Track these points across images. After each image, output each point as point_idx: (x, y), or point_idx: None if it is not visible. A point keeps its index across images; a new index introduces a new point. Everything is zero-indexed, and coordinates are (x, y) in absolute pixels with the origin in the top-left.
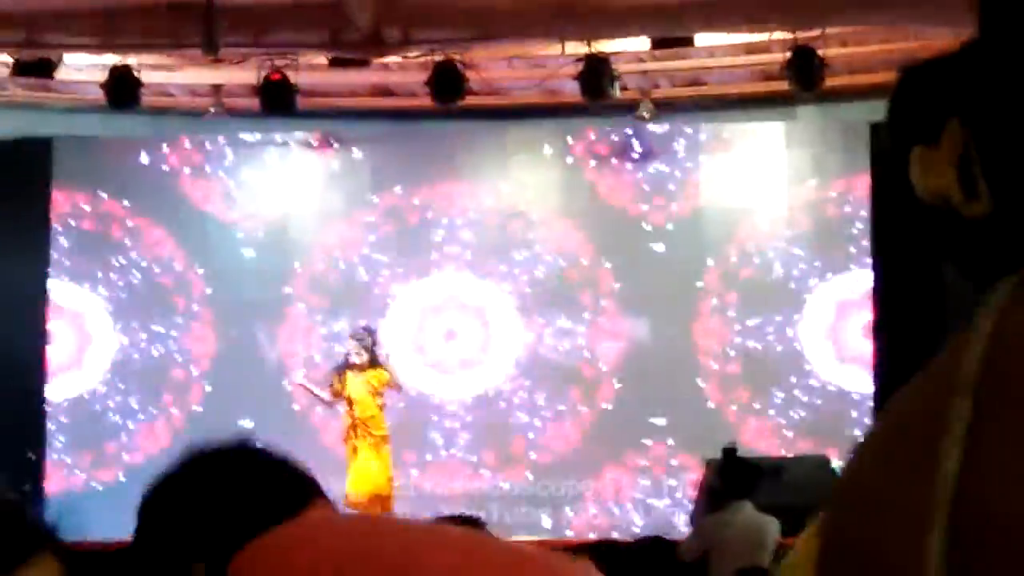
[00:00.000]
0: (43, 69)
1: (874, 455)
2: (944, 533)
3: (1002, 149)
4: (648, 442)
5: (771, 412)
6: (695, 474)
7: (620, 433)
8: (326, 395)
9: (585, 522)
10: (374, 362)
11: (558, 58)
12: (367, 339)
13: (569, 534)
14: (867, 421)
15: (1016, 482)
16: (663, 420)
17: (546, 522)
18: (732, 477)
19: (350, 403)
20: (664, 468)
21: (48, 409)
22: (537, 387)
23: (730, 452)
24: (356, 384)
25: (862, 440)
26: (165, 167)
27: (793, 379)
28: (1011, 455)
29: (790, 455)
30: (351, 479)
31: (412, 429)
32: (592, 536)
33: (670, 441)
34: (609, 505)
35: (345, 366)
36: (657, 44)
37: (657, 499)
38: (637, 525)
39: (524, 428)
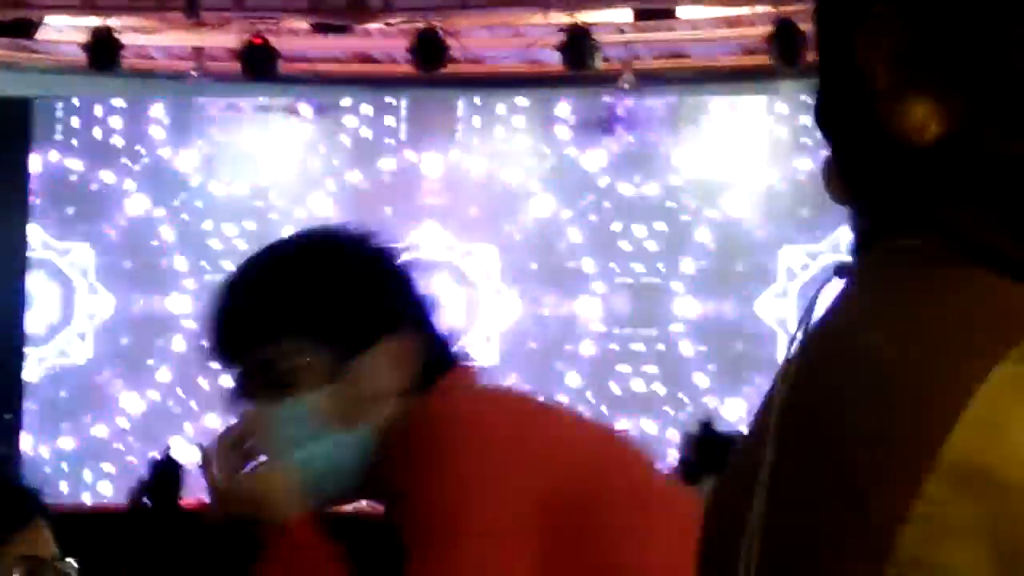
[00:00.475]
0: (23, 30)
1: (713, 497)
2: None
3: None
4: (629, 417)
5: (748, 388)
6: (674, 447)
7: (600, 407)
8: None
9: None
10: None
11: (540, 27)
12: None
13: None
14: None
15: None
16: (643, 394)
17: None
18: (706, 451)
19: None
20: (645, 442)
21: (25, 372)
22: (522, 357)
23: (705, 426)
24: None
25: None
26: (145, 130)
27: (771, 355)
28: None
29: None
30: None
31: None
32: None
33: (649, 416)
34: None
35: None
36: (640, 16)
37: None
38: None
39: None
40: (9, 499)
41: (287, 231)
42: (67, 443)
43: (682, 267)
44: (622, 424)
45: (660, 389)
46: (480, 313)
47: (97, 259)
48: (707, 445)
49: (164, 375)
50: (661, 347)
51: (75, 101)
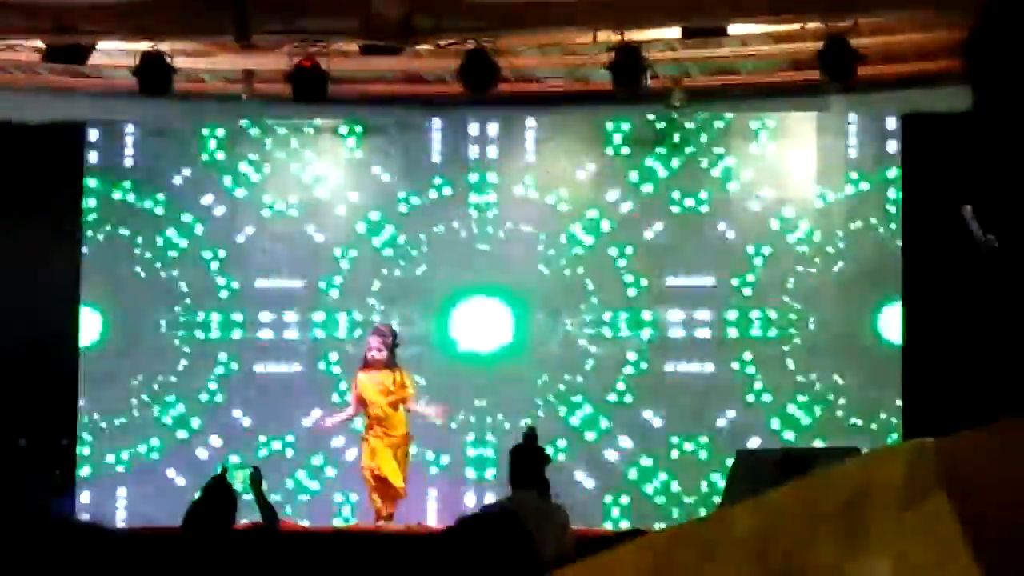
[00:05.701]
0: (75, 55)
1: None
2: None
3: None
4: (675, 439)
5: (799, 403)
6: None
7: (643, 431)
8: (350, 408)
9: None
10: (391, 363)
11: (590, 46)
12: (389, 337)
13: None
14: (894, 417)
15: None
16: (700, 412)
17: None
18: (520, 464)
19: (364, 403)
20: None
21: (80, 396)
22: (567, 380)
23: (529, 436)
24: (368, 384)
25: None
26: (196, 153)
27: (824, 369)
28: None
29: (818, 447)
30: (367, 477)
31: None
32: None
33: (705, 438)
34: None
35: (363, 364)
36: (689, 33)
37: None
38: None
39: (554, 425)
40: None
41: (335, 252)
42: (121, 465)
43: (734, 282)
44: (691, 445)
45: (724, 407)
46: (530, 336)
47: (151, 281)
48: (523, 458)
49: (215, 397)
50: (721, 362)
51: (127, 124)
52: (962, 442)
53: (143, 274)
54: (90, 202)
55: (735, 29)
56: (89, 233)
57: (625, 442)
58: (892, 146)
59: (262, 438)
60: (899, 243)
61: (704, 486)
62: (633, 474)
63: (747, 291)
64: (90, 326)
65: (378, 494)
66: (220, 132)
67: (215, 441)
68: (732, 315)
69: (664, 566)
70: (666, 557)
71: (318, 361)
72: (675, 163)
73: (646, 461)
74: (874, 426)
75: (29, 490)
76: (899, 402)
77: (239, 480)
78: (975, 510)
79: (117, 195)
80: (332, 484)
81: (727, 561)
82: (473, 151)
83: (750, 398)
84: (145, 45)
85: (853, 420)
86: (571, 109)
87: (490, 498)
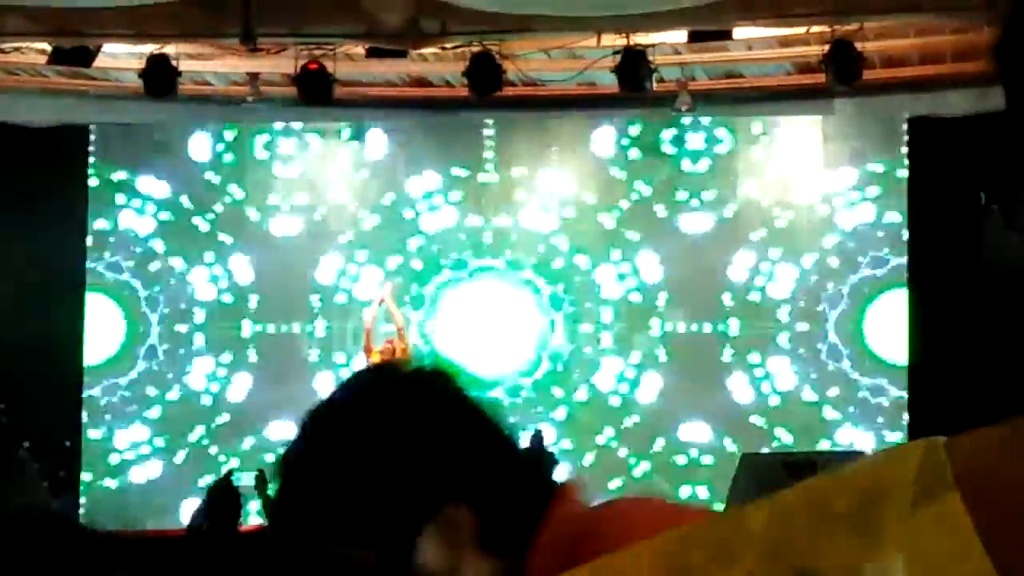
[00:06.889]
0: (81, 57)
1: None
2: None
3: None
4: (685, 434)
5: (808, 402)
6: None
7: (657, 431)
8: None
9: None
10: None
11: (595, 49)
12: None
13: None
14: (898, 414)
15: None
16: (696, 413)
17: None
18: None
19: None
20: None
21: (85, 397)
22: (566, 378)
23: (537, 439)
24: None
25: None
26: (202, 155)
27: (829, 368)
28: None
29: (823, 449)
30: None
31: None
32: None
33: (705, 435)
34: None
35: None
36: (694, 36)
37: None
38: None
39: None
40: (78, 563)
41: (340, 251)
42: (126, 469)
43: (739, 285)
44: (687, 442)
45: (717, 410)
46: (532, 338)
47: (155, 283)
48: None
49: (221, 403)
50: (721, 367)
51: (132, 126)
52: (972, 440)
53: (149, 275)
54: (94, 204)
55: (741, 33)
56: (93, 235)
57: (634, 439)
58: (898, 150)
59: (270, 440)
60: (905, 244)
61: (715, 486)
62: (638, 471)
63: (753, 295)
64: (94, 327)
65: None
66: (225, 134)
67: (221, 443)
68: (736, 319)
69: (677, 568)
70: (679, 558)
71: (323, 361)
72: (680, 166)
73: (646, 463)
74: (880, 425)
75: (30, 490)
76: (906, 398)
77: (245, 483)
78: (987, 508)
79: (122, 197)
80: None
81: (741, 562)
82: (479, 154)
83: (763, 397)
84: (150, 48)
85: (862, 419)
86: (577, 112)
87: None
